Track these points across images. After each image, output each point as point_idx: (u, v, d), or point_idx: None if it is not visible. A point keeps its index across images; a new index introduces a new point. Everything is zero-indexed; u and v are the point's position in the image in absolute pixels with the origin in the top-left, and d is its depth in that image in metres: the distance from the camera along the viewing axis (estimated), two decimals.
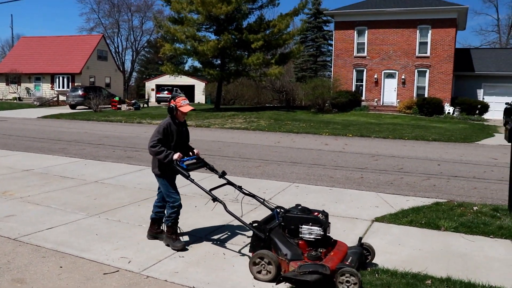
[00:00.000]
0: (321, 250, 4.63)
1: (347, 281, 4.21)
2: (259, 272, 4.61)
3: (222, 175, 5.65)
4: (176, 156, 5.33)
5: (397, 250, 5.65)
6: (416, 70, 32.95)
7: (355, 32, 34.34)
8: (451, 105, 31.51)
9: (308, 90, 33.08)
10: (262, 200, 5.49)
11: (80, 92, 36.25)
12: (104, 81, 50.66)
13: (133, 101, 37.69)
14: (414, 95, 32.78)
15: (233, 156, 12.73)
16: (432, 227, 6.55)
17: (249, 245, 4.98)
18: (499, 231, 6.40)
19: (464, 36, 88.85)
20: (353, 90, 33.95)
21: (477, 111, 30.83)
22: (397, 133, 20.00)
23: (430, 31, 32.46)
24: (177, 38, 32.76)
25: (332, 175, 10.33)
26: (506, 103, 28.02)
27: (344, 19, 34.68)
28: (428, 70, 32.65)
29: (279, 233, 4.79)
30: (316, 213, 4.87)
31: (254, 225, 4.94)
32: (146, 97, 51.28)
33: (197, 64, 37.01)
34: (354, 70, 34.54)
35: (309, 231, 4.66)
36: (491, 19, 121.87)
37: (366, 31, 34.02)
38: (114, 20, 75.76)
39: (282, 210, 5.06)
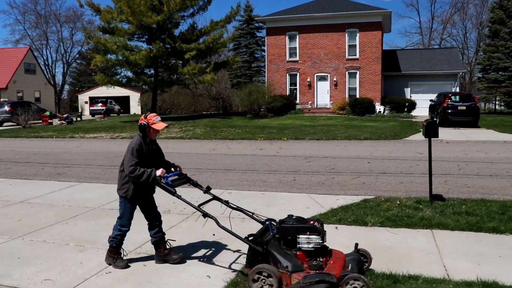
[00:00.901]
0: (321, 259, 4.52)
1: (355, 287, 4.13)
2: (257, 285, 4.39)
3: (207, 190, 5.41)
4: (159, 172, 5.13)
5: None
6: (347, 72, 33.99)
7: (287, 37, 34.98)
8: (382, 104, 32.74)
9: (243, 96, 33.33)
10: (251, 214, 5.34)
11: (6, 108, 34.61)
12: (34, 95, 48.74)
13: (65, 115, 36.40)
14: (346, 96, 33.80)
15: None
16: (360, 223, 6.78)
17: (245, 260, 4.78)
18: (421, 222, 6.72)
19: (391, 38, 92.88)
20: (287, 94, 34.55)
21: (405, 109, 32.21)
22: (331, 134, 20.52)
23: (358, 34, 33.61)
24: (108, 49, 32.02)
25: (266, 180, 10.44)
26: (430, 100, 29.44)
27: (275, 25, 35.25)
28: (358, 72, 33.76)
29: (275, 245, 4.62)
30: (311, 222, 4.77)
31: (250, 238, 4.78)
32: (80, 111, 49.78)
33: (130, 74, 36.36)
34: (287, 74, 35.16)
35: (307, 241, 4.52)
36: (414, 22, 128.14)
37: (297, 36, 34.74)
38: (42, 32, 73.19)
39: (274, 223, 4.93)
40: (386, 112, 32.09)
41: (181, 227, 6.83)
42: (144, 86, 35.39)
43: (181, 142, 19.96)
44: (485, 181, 10.06)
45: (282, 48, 35.15)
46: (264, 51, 42.52)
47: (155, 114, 5.30)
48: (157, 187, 5.31)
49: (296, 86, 35.12)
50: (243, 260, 5.38)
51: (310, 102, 34.63)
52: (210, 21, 34.10)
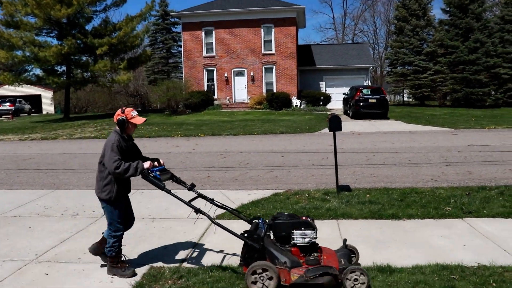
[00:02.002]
0: (316, 255, 4.54)
1: (355, 279, 4.23)
2: (255, 283, 4.34)
3: (191, 187, 5.17)
4: (147, 164, 4.87)
5: (233, 245, 5.84)
6: (263, 67, 34.44)
7: (203, 32, 34.81)
8: (298, 98, 33.55)
9: (160, 93, 32.80)
10: (237, 212, 5.25)
11: None
12: None
13: None
14: (264, 91, 34.27)
15: (78, 168, 12.10)
16: (269, 218, 6.89)
17: (240, 258, 4.63)
18: (327, 213, 6.98)
19: (307, 33, 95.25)
20: (205, 90, 34.44)
21: (321, 102, 33.23)
22: (248, 129, 20.72)
23: (273, 30, 34.14)
24: (14, 44, 30.14)
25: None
26: (344, 93, 30.58)
27: (191, 20, 34.96)
28: (274, 67, 34.32)
29: (269, 242, 4.58)
30: (303, 218, 4.74)
31: (245, 235, 4.64)
32: None
33: (39, 72, 34.44)
34: (204, 70, 35.03)
35: (302, 236, 4.51)
36: (328, 18, 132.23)
37: (214, 32, 34.68)
38: None
39: (260, 220, 4.87)
40: (302, 106, 32.92)
41: (88, 231, 6.60)
42: (54, 86, 33.64)
43: (95, 142, 19.26)
44: (389, 170, 10.62)
45: (199, 43, 34.95)
46: (180, 46, 42.02)
47: (132, 108, 5.04)
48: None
49: (213, 81, 35.10)
50: (151, 261, 5.31)
51: (228, 97, 34.76)
52: (126, 16, 33.20)
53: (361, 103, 25.39)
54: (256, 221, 4.88)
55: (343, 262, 4.51)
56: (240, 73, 34.80)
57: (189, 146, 15.89)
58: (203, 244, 5.93)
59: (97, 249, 5.23)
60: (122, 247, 5.08)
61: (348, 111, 27.61)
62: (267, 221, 4.86)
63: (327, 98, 34.01)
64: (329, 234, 6.14)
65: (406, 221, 6.56)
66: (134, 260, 5.37)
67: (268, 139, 17.31)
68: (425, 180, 9.41)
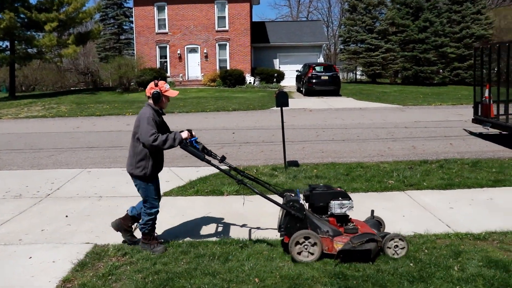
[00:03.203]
0: (353, 224, 4.69)
1: (396, 246, 4.45)
2: (300, 253, 4.41)
3: (222, 159, 5.01)
4: (185, 134, 4.77)
5: (181, 220, 5.87)
6: (217, 44, 34.09)
7: (155, 8, 33.99)
8: (252, 75, 33.51)
9: (112, 70, 31.94)
10: (268, 185, 5.17)
11: None
12: None
13: None
14: (217, 68, 34.00)
15: (24, 148, 11.72)
16: (216, 193, 6.96)
17: (282, 229, 4.63)
18: (275, 188, 7.07)
19: (261, 10, 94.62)
20: (158, 67, 33.80)
21: (274, 80, 33.34)
22: (201, 106, 20.58)
23: (227, 6, 33.73)
24: None
25: None
26: (297, 71, 30.76)
27: None
28: (228, 44, 34.03)
29: (308, 212, 4.68)
30: (338, 188, 4.96)
31: (287, 205, 4.63)
32: None
33: None
34: (157, 47, 34.35)
35: (340, 206, 4.65)
36: None
37: (166, 7, 33.92)
38: None
39: (291, 193, 4.90)
40: (256, 83, 32.93)
41: (31, 211, 6.44)
42: None
43: (42, 121, 18.67)
44: (338, 146, 10.84)
45: (151, 19, 34.13)
46: (132, 22, 40.92)
47: (164, 81, 4.89)
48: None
49: (166, 58, 34.48)
50: (96, 239, 5.26)
51: (181, 74, 34.29)
52: None
53: (314, 80, 25.62)
54: (288, 193, 4.95)
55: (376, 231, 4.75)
56: (193, 50, 34.34)
57: None
58: None
59: (120, 225, 5.11)
60: (155, 225, 5.00)
61: (301, 88, 27.83)
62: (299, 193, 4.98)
63: (281, 75, 34.13)
64: (276, 208, 6.23)
65: (350, 194, 6.74)
66: (77, 239, 5.30)
67: (220, 116, 17.27)
68: (371, 155, 9.68)
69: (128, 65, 31.17)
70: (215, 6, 33.78)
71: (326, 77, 25.67)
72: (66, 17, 30.49)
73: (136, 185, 4.90)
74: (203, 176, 7.91)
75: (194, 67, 34.41)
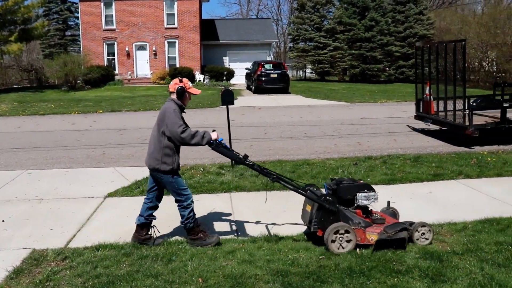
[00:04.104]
0: (379, 215, 4.97)
1: (423, 233, 4.76)
2: (335, 244, 4.56)
3: (245, 158, 5.06)
4: (215, 135, 4.80)
5: (125, 221, 5.75)
6: (166, 41, 33.67)
7: (102, 3, 33.19)
8: (202, 73, 33.33)
9: (57, 67, 30.85)
10: (289, 180, 5.11)
11: None
12: None
13: None
14: (166, 66, 33.58)
15: None
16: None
17: (314, 223, 4.67)
18: (221, 187, 7.09)
19: (212, 7, 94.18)
20: (105, 65, 33.03)
21: (224, 77, 33.29)
22: (149, 104, 20.25)
23: (176, 3, 33.36)
24: None
25: (73, 156, 9.92)
26: (246, 68, 30.83)
27: None
28: (177, 41, 33.68)
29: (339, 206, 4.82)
30: (361, 181, 5.22)
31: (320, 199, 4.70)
32: None
33: None
34: (104, 43, 33.54)
35: (366, 198, 4.83)
36: None
37: (114, 3, 33.19)
38: None
39: (314, 188, 4.94)
40: (206, 81, 32.78)
41: None
42: None
43: None
44: (285, 143, 10.95)
45: (98, 15, 33.26)
46: (78, 18, 39.71)
47: (187, 79, 4.93)
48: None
49: (114, 56, 33.71)
50: (35, 244, 5.06)
51: (129, 72, 33.65)
52: None
53: (263, 78, 25.76)
54: (311, 188, 4.95)
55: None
56: (142, 47, 33.75)
57: (86, 123, 15.23)
58: (92, 223, 5.77)
59: (138, 239, 4.96)
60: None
61: (251, 86, 27.91)
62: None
63: (231, 73, 34.11)
64: (221, 206, 6.25)
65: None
66: (14, 244, 5.09)
67: None
68: (318, 152, 9.83)
69: (75, 62, 30.22)
70: (164, 2, 33.34)
71: (275, 75, 25.86)
72: (5, 10, 29.15)
73: (161, 181, 4.85)
74: (147, 176, 7.77)
75: (142, 65, 33.84)
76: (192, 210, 4.86)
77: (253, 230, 5.30)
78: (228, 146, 5.63)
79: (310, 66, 42.05)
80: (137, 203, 6.47)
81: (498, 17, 33.14)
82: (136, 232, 4.98)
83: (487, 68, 35.50)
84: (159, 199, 5.08)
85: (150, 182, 5.03)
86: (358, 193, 4.85)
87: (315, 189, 4.96)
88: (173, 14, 33.56)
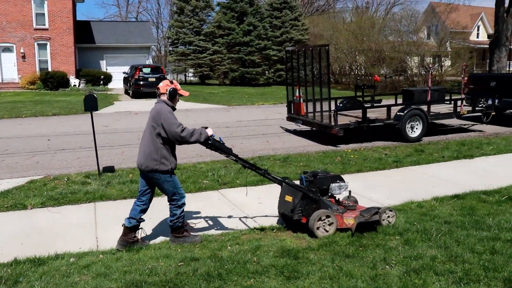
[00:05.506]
0: (349, 202, 5.61)
1: (388, 216, 5.38)
2: (318, 229, 5.05)
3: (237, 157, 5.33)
4: (210, 131, 4.87)
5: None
6: (36, 43, 31.50)
7: None
8: (76, 77, 31.72)
9: None
10: (262, 172, 5.38)
11: None
12: None
13: None
14: (37, 69, 31.40)
15: None
16: (19, 207, 6.37)
17: (298, 211, 5.14)
18: (85, 197, 6.76)
19: (88, 9, 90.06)
20: None
21: (101, 82, 32.02)
22: (16, 111, 18.77)
23: (46, 2, 31.37)
24: None
25: None
26: (124, 73, 29.96)
27: None
28: (48, 43, 31.69)
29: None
30: (332, 173, 5.80)
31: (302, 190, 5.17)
32: None
33: None
34: None
35: (339, 187, 5.43)
36: None
37: None
38: None
39: (288, 180, 5.40)
40: (81, 85, 31.23)
41: None
42: None
43: None
44: None
45: None
46: None
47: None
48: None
49: None
50: None
51: None
52: None
53: (141, 82, 25.18)
54: (287, 180, 5.44)
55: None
56: (7, 49, 31.20)
57: None
58: None
59: (125, 242, 4.89)
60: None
61: (129, 91, 27.16)
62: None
63: (108, 78, 32.87)
64: (84, 218, 5.95)
65: (164, 197, 6.72)
66: None
67: (37, 122, 15.95)
68: (190, 156, 9.81)
69: None
70: (32, 1, 31.15)
71: (154, 79, 25.40)
72: None
73: (157, 181, 4.86)
74: (4, 189, 7.17)
75: (9, 68, 31.26)
76: (183, 210, 5.00)
77: (115, 241, 5.11)
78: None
79: (191, 70, 41.96)
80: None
81: (363, 25, 35.80)
82: (125, 235, 4.94)
83: (356, 72, 38.15)
84: (151, 201, 5.12)
85: (142, 185, 5.03)
86: (331, 183, 5.42)
87: (292, 181, 5.44)
88: (43, 14, 31.50)
